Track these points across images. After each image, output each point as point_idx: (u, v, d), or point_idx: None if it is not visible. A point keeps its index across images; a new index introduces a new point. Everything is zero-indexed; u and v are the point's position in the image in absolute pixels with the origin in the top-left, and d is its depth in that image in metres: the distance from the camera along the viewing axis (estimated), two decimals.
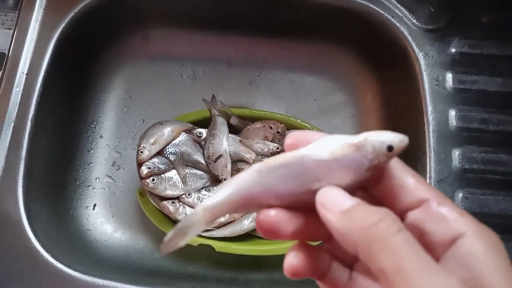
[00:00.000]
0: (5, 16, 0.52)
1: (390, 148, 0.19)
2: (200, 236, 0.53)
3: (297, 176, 0.20)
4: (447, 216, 0.19)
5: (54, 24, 0.52)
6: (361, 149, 0.20)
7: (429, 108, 0.51)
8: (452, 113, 0.51)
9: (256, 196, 0.20)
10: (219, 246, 0.52)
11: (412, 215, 0.20)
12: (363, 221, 0.18)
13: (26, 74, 0.50)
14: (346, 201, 0.19)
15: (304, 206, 0.20)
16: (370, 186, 0.21)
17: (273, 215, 0.20)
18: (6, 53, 0.51)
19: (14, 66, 0.50)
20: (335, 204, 0.19)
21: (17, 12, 0.52)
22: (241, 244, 0.53)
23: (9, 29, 0.52)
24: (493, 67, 0.53)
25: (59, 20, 0.52)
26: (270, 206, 0.20)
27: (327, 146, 0.20)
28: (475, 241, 0.18)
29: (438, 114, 0.51)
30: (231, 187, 0.20)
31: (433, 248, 0.18)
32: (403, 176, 0.20)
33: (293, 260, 0.20)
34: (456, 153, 0.50)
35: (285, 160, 0.20)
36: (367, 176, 0.20)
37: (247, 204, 0.20)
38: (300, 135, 0.21)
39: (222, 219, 0.54)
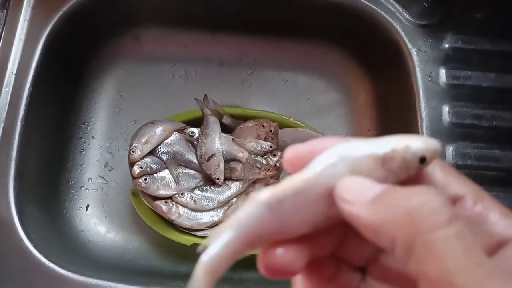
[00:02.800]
0: None
1: (422, 160, 0.16)
2: (194, 235, 0.53)
3: (314, 203, 0.16)
4: (486, 216, 0.15)
5: (43, 23, 0.52)
6: (388, 163, 0.16)
7: (422, 105, 0.51)
8: (446, 109, 0.51)
9: (266, 234, 0.16)
10: None
11: None
12: (401, 204, 0.14)
13: (15, 74, 0.50)
14: (374, 187, 0.15)
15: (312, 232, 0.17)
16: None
17: (282, 254, 0.16)
18: None
19: (3, 66, 0.50)
20: (360, 194, 0.15)
21: (5, 11, 0.51)
22: None
23: None
24: (486, 63, 0.53)
25: (48, 19, 0.52)
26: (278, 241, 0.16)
27: (346, 160, 0.16)
28: None
29: (431, 111, 0.51)
30: (232, 231, 0.16)
31: None
32: (429, 170, 0.16)
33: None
34: (449, 149, 0.50)
35: (293, 186, 0.16)
36: None
37: (254, 245, 0.17)
38: (305, 149, 0.17)
39: (215, 219, 0.54)
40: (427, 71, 0.52)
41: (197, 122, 0.56)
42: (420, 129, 0.50)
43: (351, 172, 0.16)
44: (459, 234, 0.13)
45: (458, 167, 0.49)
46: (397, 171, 0.16)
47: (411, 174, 0.16)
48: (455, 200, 0.16)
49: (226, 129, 0.56)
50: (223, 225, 0.17)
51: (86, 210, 0.57)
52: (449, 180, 0.16)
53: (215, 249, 0.16)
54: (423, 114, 0.50)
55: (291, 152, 0.17)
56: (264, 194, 0.16)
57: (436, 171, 0.16)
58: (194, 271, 0.17)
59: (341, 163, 0.16)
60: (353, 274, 0.18)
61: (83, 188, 0.58)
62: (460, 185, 0.16)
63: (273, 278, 0.16)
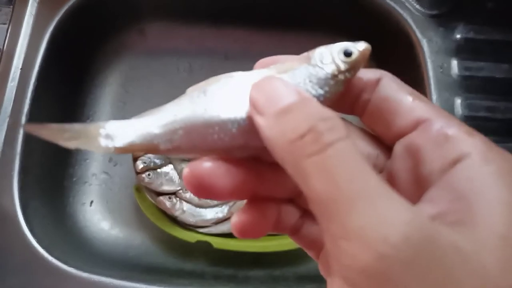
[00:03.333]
0: (0, 11, 0.52)
1: (347, 54, 0.16)
2: (198, 232, 0.52)
3: (235, 98, 0.15)
4: (451, 136, 0.14)
5: (48, 18, 0.52)
6: (309, 60, 0.16)
7: (434, 97, 0.49)
8: (458, 101, 0.49)
9: (187, 127, 0.15)
10: (217, 242, 0.51)
11: (406, 140, 0.15)
12: (292, 130, 0.13)
13: (20, 68, 0.50)
14: (288, 96, 0.14)
15: (247, 150, 0.15)
16: (358, 115, 0.17)
17: (207, 167, 0.15)
18: (1, 48, 0.50)
19: (9, 60, 0.50)
20: (272, 102, 0.13)
21: (11, 6, 0.51)
22: (240, 241, 0.52)
23: (4, 24, 0.51)
24: (498, 53, 0.51)
25: (53, 14, 0.52)
26: (202, 150, 0.15)
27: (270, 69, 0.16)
28: (480, 164, 0.13)
29: (443, 103, 0.49)
30: (155, 115, 0.16)
31: (429, 179, 0.14)
32: (397, 94, 0.16)
33: (240, 217, 0.16)
34: None
35: (221, 81, 0.16)
36: (330, 96, 0.15)
37: (172, 140, 0.15)
38: (269, 60, 0.17)
39: (220, 215, 0.53)
40: (438, 62, 0.51)
41: None
42: None
43: (277, 69, 0.15)
44: (345, 152, 0.13)
45: None
46: (324, 66, 0.16)
47: (347, 73, 0.16)
48: (420, 122, 0.15)
49: None
50: (144, 113, 0.16)
51: (90, 205, 0.56)
52: (417, 104, 0.16)
53: (128, 123, 0.15)
54: None
55: (259, 63, 0.18)
56: (189, 89, 0.16)
57: (405, 96, 0.16)
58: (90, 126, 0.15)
59: (267, 70, 0.16)
60: (314, 225, 0.18)
61: (87, 184, 0.57)
62: (428, 109, 0.15)
63: (197, 195, 0.15)
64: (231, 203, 0.53)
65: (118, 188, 0.57)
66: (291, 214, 0.18)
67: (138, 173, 0.51)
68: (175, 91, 0.67)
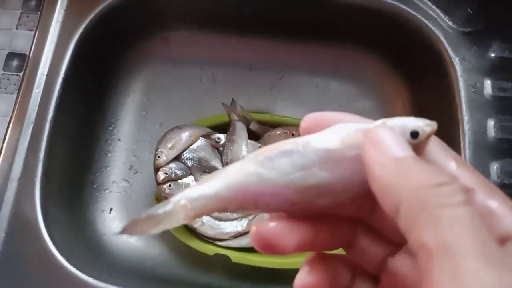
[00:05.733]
0: (27, 17, 0.52)
1: (414, 134, 0.16)
2: (216, 245, 0.51)
3: (299, 167, 0.16)
4: (494, 210, 0.14)
5: (75, 25, 0.52)
6: None
7: (465, 118, 0.48)
8: (491, 123, 0.47)
9: (251, 191, 0.16)
10: (235, 256, 0.50)
11: None
12: (421, 177, 0.14)
13: (46, 75, 0.50)
14: (405, 149, 0.15)
15: (311, 210, 0.16)
16: None
17: (272, 227, 0.16)
18: (27, 54, 0.51)
19: (35, 67, 0.50)
20: (390, 147, 0.15)
21: (38, 13, 0.52)
22: (259, 256, 0.51)
23: (30, 30, 0.51)
24: None
25: (80, 21, 0.52)
26: (268, 206, 0.16)
27: (338, 132, 0.16)
28: None
29: (475, 124, 0.47)
30: (221, 179, 0.16)
31: None
32: (442, 159, 0.16)
33: (304, 279, 0.18)
34: (494, 167, 0.46)
35: (286, 147, 0.16)
36: None
37: (240, 201, 0.16)
38: (318, 117, 0.17)
39: (239, 229, 0.52)
40: (470, 81, 0.49)
41: (224, 128, 0.55)
42: (462, 143, 0.47)
43: (342, 142, 0.16)
44: (470, 216, 0.13)
45: (503, 186, 0.45)
46: None
47: None
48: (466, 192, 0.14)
49: (253, 135, 0.55)
50: (212, 173, 0.17)
51: (110, 213, 0.56)
52: (462, 172, 0.16)
53: (200, 190, 0.16)
54: (466, 128, 0.47)
55: (306, 120, 0.17)
56: (256, 152, 0.17)
57: (450, 162, 0.16)
58: (174, 199, 0.17)
59: (335, 133, 0.16)
60: (368, 283, 0.18)
61: (107, 191, 0.57)
62: (473, 178, 0.15)
63: (264, 252, 0.17)
64: (250, 217, 0.53)
65: (138, 196, 0.57)
66: (345, 274, 0.18)
67: (159, 183, 0.51)
68: (197, 101, 0.67)
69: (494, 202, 0.14)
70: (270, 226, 0.16)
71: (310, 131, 0.17)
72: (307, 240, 0.17)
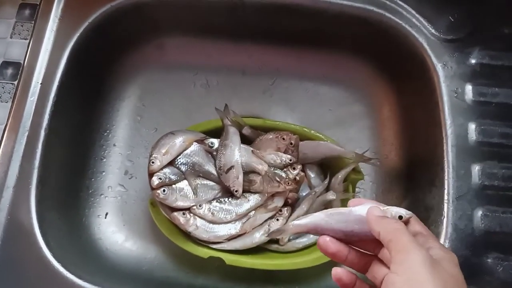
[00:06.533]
0: (22, 26, 0.53)
1: (400, 217, 0.33)
2: (211, 248, 0.53)
3: (345, 221, 0.34)
4: (431, 245, 0.31)
5: (69, 33, 0.52)
6: (385, 213, 0.33)
7: (448, 122, 0.50)
8: (472, 126, 0.50)
9: (321, 226, 0.35)
10: (229, 259, 0.51)
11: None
12: (391, 223, 0.31)
13: (40, 83, 0.51)
14: (381, 213, 0.33)
15: (347, 240, 0.34)
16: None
17: (327, 240, 0.34)
18: (22, 63, 0.51)
19: (29, 75, 0.51)
20: (376, 213, 0.33)
21: (33, 22, 0.52)
22: (252, 258, 0.52)
23: (25, 39, 0.52)
24: None
25: (74, 30, 0.53)
26: (328, 234, 0.34)
27: (366, 208, 0.34)
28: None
29: (457, 128, 0.49)
30: (309, 218, 0.35)
31: None
32: (414, 226, 0.33)
33: (338, 270, 0.34)
34: (475, 169, 0.48)
35: (341, 210, 0.35)
36: None
37: (315, 229, 0.35)
38: (359, 200, 0.35)
39: (233, 232, 0.53)
40: (452, 87, 0.51)
41: (217, 132, 0.56)
42: (445, 146, 0.49)
43: (367, 213, 0.33)
44: (405, 230, 0.31)
45: (484, 187, 0.47)
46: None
47: None
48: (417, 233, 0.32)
49: (245, 140, 0.56)
50: (307, 215, 0.36)
51: (105, 217, 0.57)
52: (421, 228, 0.33)
53: (300, 221, 0.36)
54: (449, 132, 0.49)
55: (352, 202, 0.36)
56: (326, 210, 0.36)
57: (416, 224, 0.33)
58: (287, 224, 0.39)
59: (365, 209, 0.34)
60: None
61: (102, 196, 0.58)
62: (422, 228, 0.33)
63: (322, 251, 0.34)
64: (244, 220, 0.54)
65: (133, 201, 0.58)
66: (364, 285, 0.34)
67: (153, 188, 0.52)
68: (191, 106, 0.68)
69: (426, 235, 0.32)
70: (326, 238, 0.34)
71: (354, 205, 0.35)
72: (342, 252, 0.34)
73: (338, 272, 0.33)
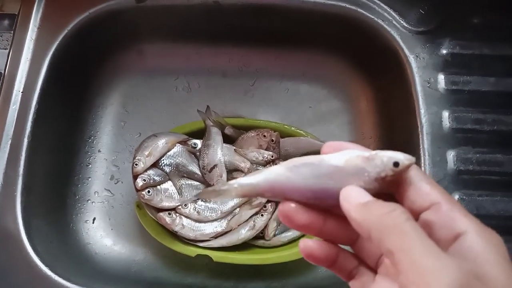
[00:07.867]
0: (1, 36, 0.53)
1: (396, 164, 0.22)
2: (198, 246, 0.53)
3: (315, 175, 0.23)
4: (452, 216, 0.21)
5: (49, 42, 0.53)
6: (371, 161, 0.23)
7: (422, 111, 0.51)
8: (446, 114, 0.51)
9: (280, 186, 0.23)
10: (217, 256, 0.52)
11: (424, 216, 0.22)
12: (378, 211, 0.21)
13: (22, 92, 0.52)
14: (365, 196, 0.22)
15: (320, 205, 0.23)
16: (393, 192, 0.23)
17: (292, 207, 0.23)
18: (2, 72, 0.52)
19: (10, 84, 0.52)
20: (355, 198, 0.22)
21: (12, 32, 0.53)
22: (239, 254, 0.53)
23: (5, 48, 0.53)
24: (485, 67, 0.53)
25: (53, 38, 0.54)
26: (290, 198, 0.23)
27: (345, 155, 0.23)
28: (475, 238, 0.20)
29: (431, 116, 0.51)
30: (262, 175, 0.24)
31: (439, 244, 0.20)
32: (420, 183, 0.22)
33: (308, 243, 0.24)
34: (451, 155, 0.49)
35: (308, 160, 0.23)
36: (375, 186, 0.22)
37: (272, 191, 0.24)
38: (336, 144, 0.24)
39: (219, 229, 0.54)
40: (425, 77, 0.53)
41: (201, 134, 0.57)
42: (420, 135, 0.50)
43: (346, 162, 0.23)
44: (413, 226, 0.20)
45: (460, 172, 0.49)
46: (376, 168, 0.22)
47: (388, 174, 0.22)
48: (434, 205, 0.22)
49: (228, 139, 0.57)
50: (257, 171, 0.26)
51: (93, 223, 0.58)
52: (432, 191, 0.22)
53: (248, 179, 0.24)
54: (423, 120, 0.51)
55: (327, 146, 0.24)
56: (288, 160, 0.24)
57: (424, 185, 0.22)
58: (230, 182, 0.24)
59: (343, 156, 0.23)
60: (369, 274, 0.25)
61: (89, 201, 0.59)
62: (439, 195, 0.22)
63: (283, 221, 0.24)
64: (229, 217, 0.55)
65: (120, 205, 0.58)
66: (349, 261, 0.25)
67: (138, 190, 0.53)
68: (174, 110, 0.69)
69: (451, 210, 0.21)
70: (291, 205, 0.23)
71: (328, 153, 0.24)
72: (316, 223, 0.24)
73: (308, 245, 0.24)
